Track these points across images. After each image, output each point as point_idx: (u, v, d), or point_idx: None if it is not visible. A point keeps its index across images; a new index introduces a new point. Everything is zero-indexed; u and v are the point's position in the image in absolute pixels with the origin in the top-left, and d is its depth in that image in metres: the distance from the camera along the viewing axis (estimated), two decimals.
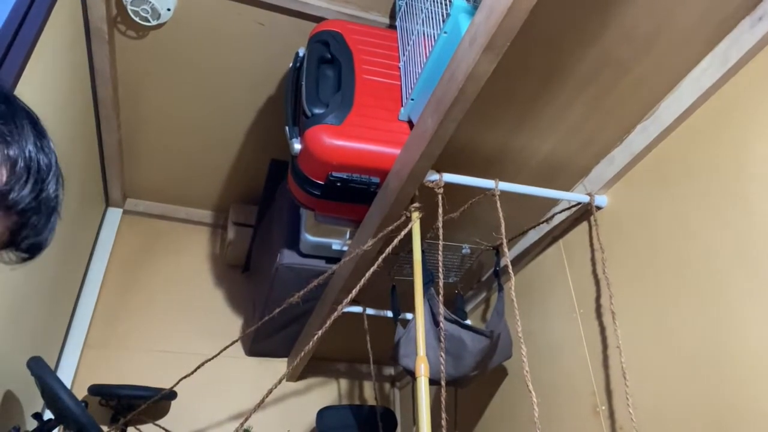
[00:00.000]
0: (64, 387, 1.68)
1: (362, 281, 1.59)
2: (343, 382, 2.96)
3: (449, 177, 1.58)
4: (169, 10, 1.97)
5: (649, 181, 1.58)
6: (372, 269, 1.61)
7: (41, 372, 1.71)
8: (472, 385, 1.96)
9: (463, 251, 2.11)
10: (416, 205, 1.63)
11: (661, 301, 1.47)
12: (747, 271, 1.26)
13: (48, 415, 1.89)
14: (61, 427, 2.04)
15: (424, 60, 1.60)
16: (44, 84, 1.67)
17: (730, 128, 1.36)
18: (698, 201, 1.41)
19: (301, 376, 2.84)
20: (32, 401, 2.05)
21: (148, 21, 1.98)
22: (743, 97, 1.33)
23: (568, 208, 1.82)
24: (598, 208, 1.73)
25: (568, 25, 1.36)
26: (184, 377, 2.00)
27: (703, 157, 1.41)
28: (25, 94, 1.51)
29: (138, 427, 2.40)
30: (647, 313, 1.51)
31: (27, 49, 1.46)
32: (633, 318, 1.55)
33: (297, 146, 1.70)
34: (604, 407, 1.60)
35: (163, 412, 2.53)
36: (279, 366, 2.80)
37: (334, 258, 2.11)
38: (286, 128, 1.74)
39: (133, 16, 1.96)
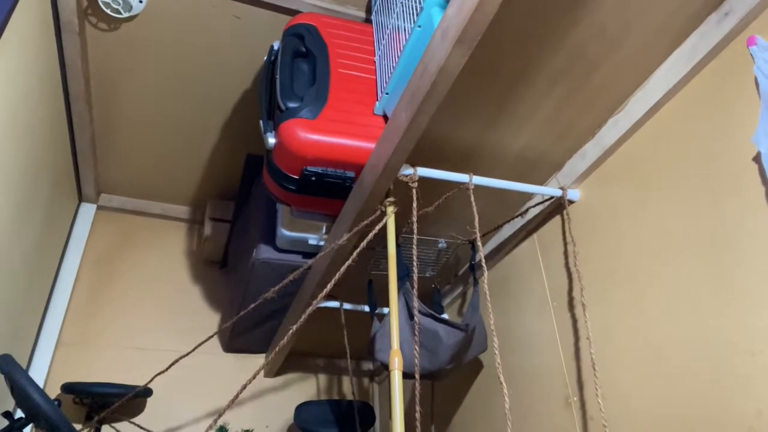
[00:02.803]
0: (35, 385, 1.65)
1: (337, 275, 1.59)
2: (322, 378, 2.95)
3: (423, 171, 1.59)
4: (141, 1, 1.94)
5: (620, 174, 1.60)
6: (347, 263, 1.61)
7: (10, 369, 1.68)
8: (449, 378, 1.97)
9: (440, 246, 2.12)
10: (391, 199, 1.63)
11: (630, 293, 1.50)
12: (715, 265, 1.29)
13: (19, 414, 1.86)
14: (33, 426, 2.01)
15: (399, 54, 1.60)
16: (11, 79, 1.63)
17: (698, 122, 1.38)
18: (667, 194, 1.43)
19: (279, 372, 2.84)
20: (2, 400, 2.02)
21: (120, 13, 1.95)
22: (710, 92, 1.36)
23: (542, 202, 1.84)
24: (571, 202, 1.75)
25: (539, 21, 1.37)
26: (159, 374, 1.99)
27: (672, 150, 1.44)
28: None
29: (113, 425, 2.37)
30: (617, 305, 1.53)
31: None
32: (603, 310, 1.57)
33: (271, 140, 1.69)
34: (575, 398, 1.63)
35: (138, 409, 2.50)
36: (257, 362, 2.78)
37: (310, 253, 2.11)
38: (261, 122, 1.73)
39: (104, 8, 1.93)
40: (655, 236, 1.45)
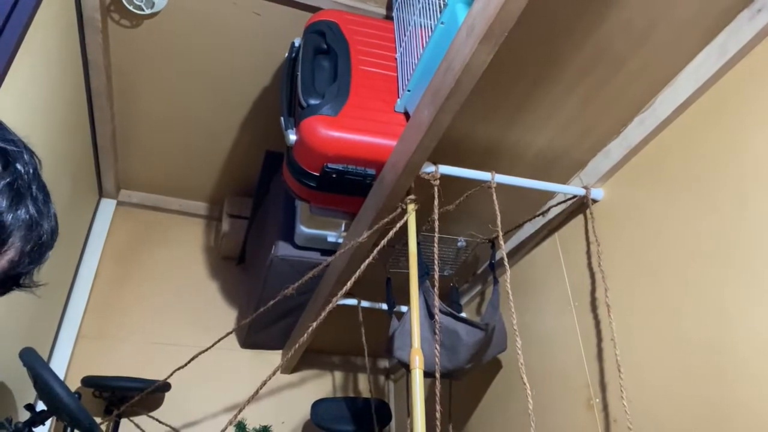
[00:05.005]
0: (57, 378, 1.67)
1: (357, 273, 1.59)
2: (338, 375, 2.96)
3: (445, 169, 1.58)
4: None
5: (646, 174, 1.57)
6: (367, 261, 1.60)
7: (33, 363, 1.70)
8: (467, 378, 1.96)
9: (459, 244, 2.10)
10: (412, 197, 1.62)
11: (656, 294, 1.47)
12: (742, 265, 1.26)
13: (41, 406, 1.88)
14: (54, 418, 2.03)
15: (421, 51, 1.59)
16: (35, 75, 1.64)
17: (726, 121, 1.35)
18: (694, 194, 1.41)
19: (295, 369, 2.84)
20: (25, 392, 2.04)
21: (142, 9, 1.96)
22: (741, 90, 1.33)
23: (564, 201, 1.82)
24: (594, 201, 1.73)
25: (564, 17, 1.35)
26: (178, 369, 2.00)
27: (700, 150, 1.41)
28: (14, 85, 1.50)
29: (132, 418, 2.39)
30: (642, 306, 1.51)
31: (16, 39, 1.44)
32: (628, 311, 1.55)
33: (292, 137, 1.68)
34: (597, 400, 1.61)
35: (157, 403, 2.52)
36: (274, 358, 2.80)
37: (329, 250, 2.11)
38: (282, 119, 1.73)
39: (126, 5, 1.94)
40: (681, 236, 1.42)
